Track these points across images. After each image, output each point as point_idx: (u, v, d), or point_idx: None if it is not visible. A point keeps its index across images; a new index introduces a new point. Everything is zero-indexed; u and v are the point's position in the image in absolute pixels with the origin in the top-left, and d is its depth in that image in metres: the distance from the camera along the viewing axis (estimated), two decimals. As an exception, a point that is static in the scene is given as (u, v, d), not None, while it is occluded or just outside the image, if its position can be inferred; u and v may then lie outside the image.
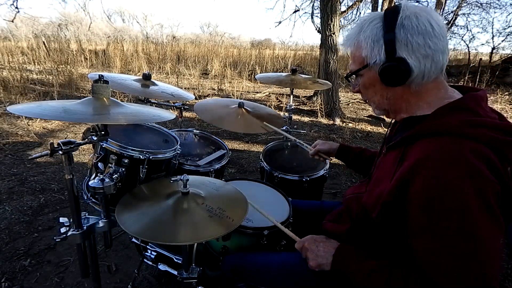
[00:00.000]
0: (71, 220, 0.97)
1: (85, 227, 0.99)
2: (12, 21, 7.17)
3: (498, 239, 0.65)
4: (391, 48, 0.74)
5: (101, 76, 0.99)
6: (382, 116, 5.37)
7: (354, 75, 0.87)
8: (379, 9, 8.43)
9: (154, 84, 1.72)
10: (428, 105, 0.79)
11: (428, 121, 0.75)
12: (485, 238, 0.63)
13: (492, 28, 10.57)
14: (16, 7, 6.39)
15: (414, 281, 0.71)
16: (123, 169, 1.15)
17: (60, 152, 0.86)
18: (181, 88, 1.95)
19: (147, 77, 1.71)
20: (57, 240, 0.95)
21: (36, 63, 7.53)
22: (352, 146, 1.40)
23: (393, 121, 0.99)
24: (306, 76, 2.19)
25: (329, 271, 0.88)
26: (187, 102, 2.08)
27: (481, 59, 10.03)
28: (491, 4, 9.64)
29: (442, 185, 0.65)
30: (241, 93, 6.61)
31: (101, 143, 1.13)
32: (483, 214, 0.63)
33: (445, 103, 0.76)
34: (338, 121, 5.02)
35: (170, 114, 1.11)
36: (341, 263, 0.86)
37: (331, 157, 1.47)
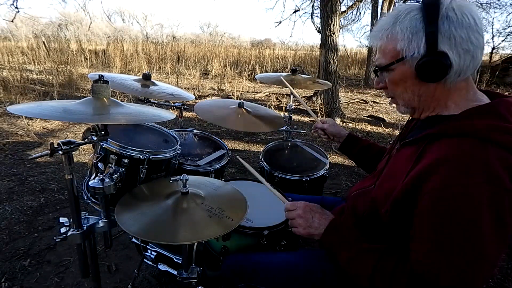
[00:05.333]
0: (71, 220, 0.97)
1: (85, 227, 0.99)
2: (12, 21, 7.16)
3: (500, 254, 0.65)
4: (433, 41, 0.70)
5: (101, 76, 0.99)
6: (382, 117, 5.40)
7: (379, 70, 0.82)
8: (379, 9, 8.42)
9: (154, 84, 1.72)
10: (456, 106, 0.76)
11: (455, 122, 0.72)
12: (487, 251, 0.63)
13: (492, 28, 10.59)
14: (16, 7, 6.38)
15: (402, 272, 0.71)
16: (123, 169, 1.15)
17: (60, 152, 0.86)
18: (181, 88, 1.95)
19: (147, 77, 1.71)
20: (57, 240, 0.95)
21: (36, 63, 7.53)
22: (361, 138, 1.35)
23: (410, 118, 0.96)
24: (306, 76, 2.19)
25: (331, 271, 0.88)
26: (187, 102, 2.08)
27: (481, 59, 10.02)
28: (491, 4, 9.63)
29: (459, 188, 0.63)
30: (241, 93, 6.60)
31: (101, 143, 1.13)
32: (493, 226, 0.62)
33: (474, 105, 0.74)
34: (338, 121, 5.01)
35: (170, 114, 1.11)
36: (332, 237, 0.86)
37: (333, 141, 1.44)
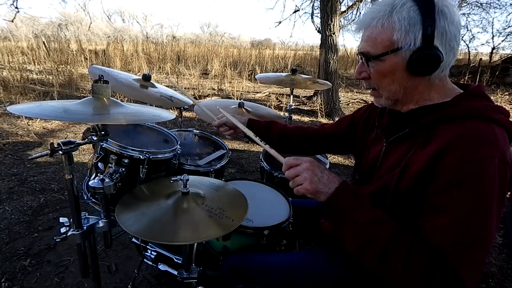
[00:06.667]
0: (71, 220, 0.97)
1: (85, 227, 0.99)
2: (12, 21, 7.17)
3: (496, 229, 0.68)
4: (430, 34, 0.69)
5: (101, 76, 0.99)
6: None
7: (366, 59, 0.78)
8: (379, 9, 8.40)
9: (153, 85, 1.71)
10: (439, 96, 0.78)
11: (451, 107, 0.74)
12: (493, 227, 0.65)
13: (492, 28, 10.57)
14: (16, 7, 6.38)
15: (420, 249, 0.67)
16: (123, 169, 1.15)
17: (60, 152, 0.86)
18: (181, 87, 1.95)
19: (146, 78, 1.70)
20: (57, 240, 0.95)
21: (36, 63, 7.54)
22: (261, 120, 1.30)
23: (378, 111, 0.95)
24: (306, 76, 2.19)
25: (331, 272, 0.87)
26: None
27: (481, 59, 10.03)
28: (491, 4, 9.63)
29: (477, 162, 0.64)
30: (241, 93, 6.60)
31: (101, 143, 1.13)
32: (499, 200, 0.65)
33: (457, 93, 0.77)
34: (338, 121, 5.01)
35: (170, 114, 1.11)
36: (344, 197, 0.75)
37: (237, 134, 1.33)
